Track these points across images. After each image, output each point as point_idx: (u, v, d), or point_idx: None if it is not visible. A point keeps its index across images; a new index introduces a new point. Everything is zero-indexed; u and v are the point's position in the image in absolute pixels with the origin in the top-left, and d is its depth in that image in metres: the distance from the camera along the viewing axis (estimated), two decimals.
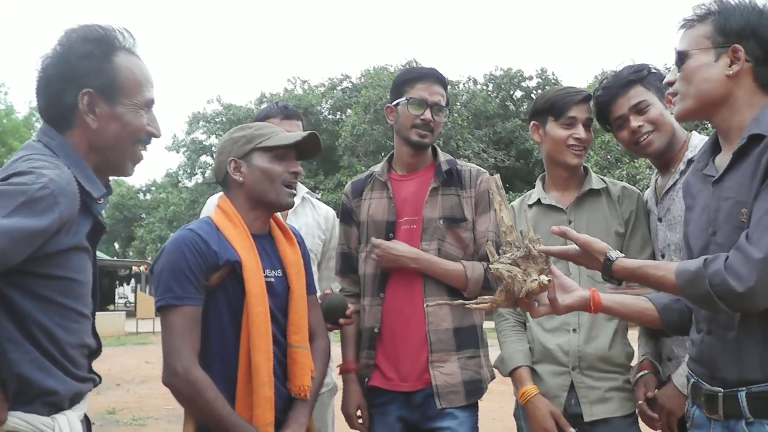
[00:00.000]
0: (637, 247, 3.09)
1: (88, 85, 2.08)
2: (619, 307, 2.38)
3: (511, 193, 28.04)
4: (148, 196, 57.65)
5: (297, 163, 2.82)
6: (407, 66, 33.05)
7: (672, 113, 2.59)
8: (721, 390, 2.07)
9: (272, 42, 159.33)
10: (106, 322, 25.45)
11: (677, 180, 2.93)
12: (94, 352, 2.20)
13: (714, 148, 2.30)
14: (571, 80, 75.48)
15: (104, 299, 41.32)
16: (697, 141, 2.96)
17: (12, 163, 1.97)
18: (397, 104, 3.26)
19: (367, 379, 3.24)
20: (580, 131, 3.13)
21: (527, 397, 3.04)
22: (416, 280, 3.15)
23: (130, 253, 55.88)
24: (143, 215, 53.70)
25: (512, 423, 3.32)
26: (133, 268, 39.75)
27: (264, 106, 3.98)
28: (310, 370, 2.75)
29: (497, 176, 2.33)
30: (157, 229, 43.13)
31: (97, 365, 2.24)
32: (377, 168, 3.40)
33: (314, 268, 3.70)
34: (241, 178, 2.73)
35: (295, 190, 2.84)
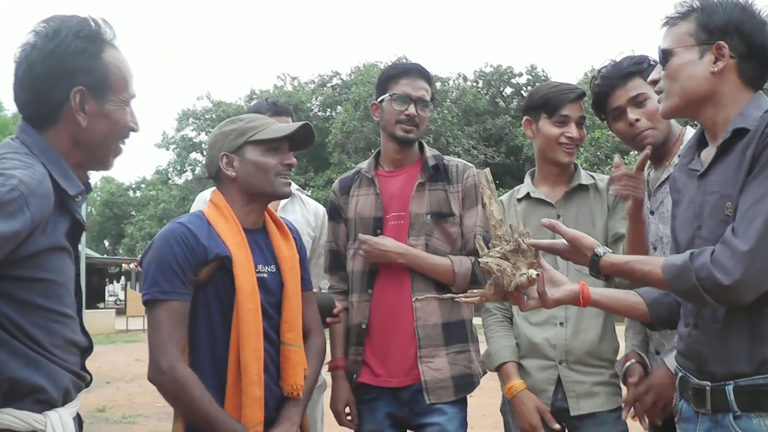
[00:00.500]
0: (622, 222, 3.06)
1: (79, 82, 2.03)
2: (608, 301, 2.38)
3: (501, 189, 28.08)
4: (138, 194, 57.58)
5: (291, 155, 2.77)
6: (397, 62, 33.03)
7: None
8: (709, 384, 2.07)
9: (262, 39, 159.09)
10: (96, 319, 25.43)
11: (671, 174, 2.93)
12: (86, 349, 2.17)
13: (700, 143, 2.30)
14: (561, 77, 75.62)
15: (94, 297, 41.24)
16: (691, 135, 2.96)
17: None
18: (382, 100, 3.27)
19: (355, 376, 3.23)
20: (572, 130, 3.12)
21: (514, 393, 3.04)
22: (404, 276, 3.15)
23: (120, 251, 55.72)
24: (133, 213, 53.60)
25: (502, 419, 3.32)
26: (123, 265, 39.68)
27: (254, 102, 3.96)
28: (303, 368, 2.70)
29: (487, 170, 2.32)
30: (147, 226, 43.08)
31: (87, 363, 2.22)
32: (364, 165, 3.40)
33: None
34: (233, 173, 2.67)
35: (289, 179, 2.79)
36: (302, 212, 3.80)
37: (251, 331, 2.54)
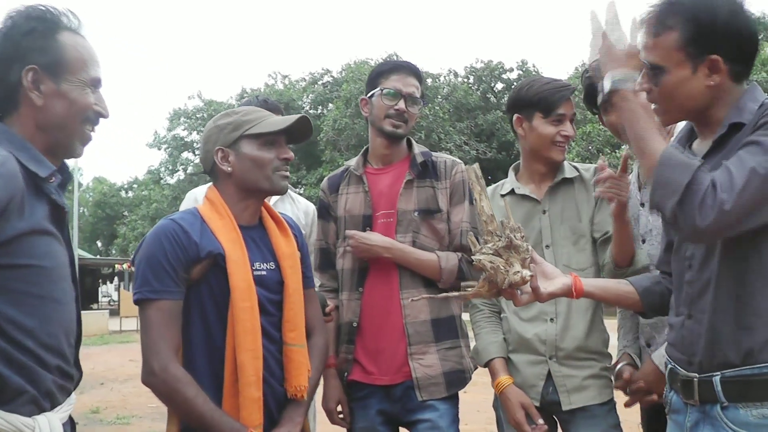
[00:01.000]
0: (610, 218, 3.02)
1: (32, 61, 2.03)
2: (601, 292, 2.40)
3: (493, 185, 28.09)
4: (130, 194, 57.51)
5: (288, 149, 2.68)
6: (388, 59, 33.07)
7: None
8: (696, 375, 2.08)
9: (252, 37, 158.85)
10: (90, 320, 25.33)
11: None
12: (78, 341, 2.16)
13: (690, 134, 2.30)
14: (552, 72, 75.59)
15: (87, 298, 41.12)
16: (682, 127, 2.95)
17: None
18: (372, 96, 3.26)
19: (346, 374, 3.22)
20: (568, 128, 3.11)
21: (501, 388, 3.05)
22: (392, 273, 3.14)
23: (113, 251, 55.72)
24: (125, 213, 53.54)
25: None
26: (116, 266, 39.62)
27: (244, 100, 3.95)
28: (307, 369, 2.63)
29: (476, 166, 2.30)
30: (140, 226, 43.07)
31: (80, 364, 2.21)
32: (352, 162, 3.39)
33: None
34: (229, 168, 2.59)
35: (287, 173, 2.70)
36: (292, 210, 3.79)
37: (247, 330, 2.46)
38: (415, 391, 3.07)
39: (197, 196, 3.67)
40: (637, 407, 3.07)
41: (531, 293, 2.24)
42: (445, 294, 2.46)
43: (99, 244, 62.22)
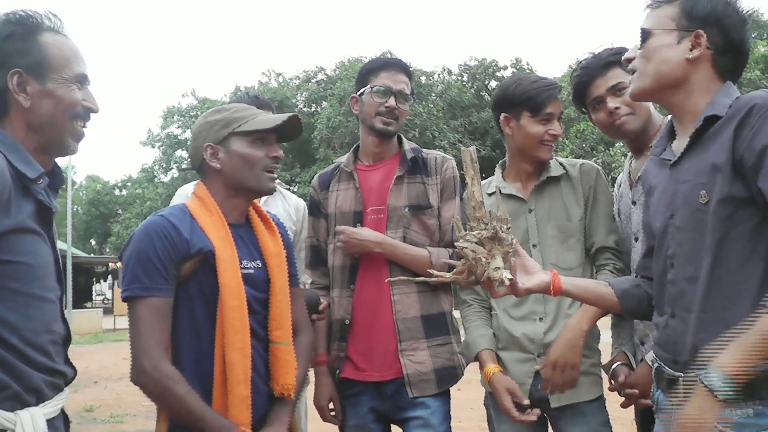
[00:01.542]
0: (604, 229, 3.06)
1: (15, 65, 2.07)
2: (579, 291, 2.40)
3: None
4: (124, 192, 57.46)
5: (278, 147, 2.66)
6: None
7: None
8: (682, 375, 2.09)
9: (246, 35, 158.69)
10: (84, 319, 25.35)
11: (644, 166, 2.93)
12: (66, 340, 2.18)
13: (671, 133, 2.31)
14: (546, 70, 75.72)
15: (81, 296, 41.08)
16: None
17: None
18: (362, 93, 3.26)
19: (338, 371, 3.22)
20: (556, 127, 3.09)
21: (488, 376, 3.00)
22: (383, 270, 3.14)
23: (107, 250, 55.58)
24: (119, 211, 53.49)
25: None
26: (110, 264, 39.60)
27: (236, 97, 3.93)
28: (293, 368, 2.60)
29: (472, 149, 2.26)
30: (134, 224, 42.90)
31: (74, 363, 2.23)
32: (343, 159, 3.39)
33: None
34: (218, 165, 2.57)
35: (276, 174, 2.70)
36: (284, 206, 3.79)
37: (236, 328, 2.44)
38: (406, 388, 3.07)
39: (188, 193, 3.65)
40: None
41: (508, 286, 2.24)
42: (422, 278, 2.40)
43: (93, 242, 62.14)
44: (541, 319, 3.03)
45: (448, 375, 3.14)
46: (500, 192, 3.14)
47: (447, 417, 3.14)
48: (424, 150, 3.33)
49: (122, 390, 11.68)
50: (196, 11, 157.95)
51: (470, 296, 3.21)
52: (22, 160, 2.04)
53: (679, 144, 2.21)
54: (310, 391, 3.37)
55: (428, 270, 2.37)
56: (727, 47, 2.13)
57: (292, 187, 34.90)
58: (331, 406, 3.24)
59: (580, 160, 3.28)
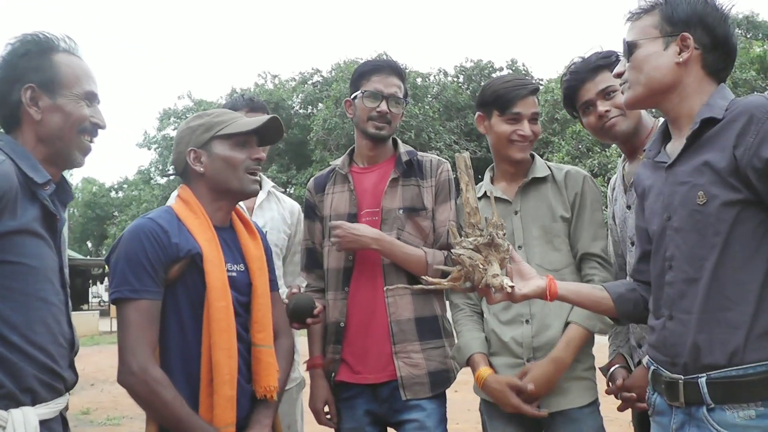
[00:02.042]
0: (588, 234, 3.05)
1: (29, 80, 2.24)
2: (575, 296, 2.40)
3: None
4: (120, 194, 57.28)
5: (259, 149, 2.73)
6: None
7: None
8: (682, 377, 2.08)
9: (242, 37, 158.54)
10: (80, 321, 25.28)
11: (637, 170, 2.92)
12: (71, 344, 2.27)
13: (664, 136, 2.32)
14: (542, 71, 75.86)
15: (78, 298, 40.97)
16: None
17: None
18: (355, 97, 3.27)
19: (333, 374, 3.22)
20: (524, 127, 3.06)
21: (481, 380, 2.97)
22: (378, 273, 3.15)
23: (103, 252, 55.37)
24: (116, 213, 53.31)
25: None
26: (107, 266, 39.42)
27: (231, 99, 3.93)
28: (275, 370, 2.65)
29: (466, 155, 2.28)
30: None
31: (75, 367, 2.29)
32: (338, 162, 3.39)
33: (279, 263, 3.68)
34: (201, 169, 2.62)
35: (258, 177, 2.74)
36: (278, 209, 3.79)
37: (223, 329, 2.47)
38: (400, 390, 3.07)
39: None
40: None
41: (504, 292, 2.23)
42: (420, 286, 2.41)
43: (89, 244, 61.96)
44: (527, 321, 3.00)
45: (442, 378, 3.14)
46: (487, 195, 3.13)
47: (443, 419, 3.13)
48: (420, 153, 3.34)
49: (119, 392, 11.60)
50: (192, 13, 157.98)
51: (461, 300, 3.20)
52: (30, 167, 2.18)
53: (674, 146, 2.21)
54: (306, 394, 3.37)
55: (423, 277, 2.37)
56: (714, 45, 2.15)
57: (288, 189, 34.90)
58: (326, 409, 3.23)
59: (568, 166, 3.27)
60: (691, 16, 2.14)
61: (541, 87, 37.54)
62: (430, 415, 3.07)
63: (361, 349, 3.15)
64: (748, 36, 38.68)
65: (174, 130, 45.40)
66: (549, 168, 3.18)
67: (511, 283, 2.17)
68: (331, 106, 34.85)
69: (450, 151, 32.86)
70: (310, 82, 43.61)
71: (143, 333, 2.41)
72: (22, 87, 2.24)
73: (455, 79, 42.18)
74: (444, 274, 2.36)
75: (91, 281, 50.25)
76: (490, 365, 3.03)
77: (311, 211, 3.39)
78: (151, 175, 48.59)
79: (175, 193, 3.81)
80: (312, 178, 3.50)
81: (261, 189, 3.69)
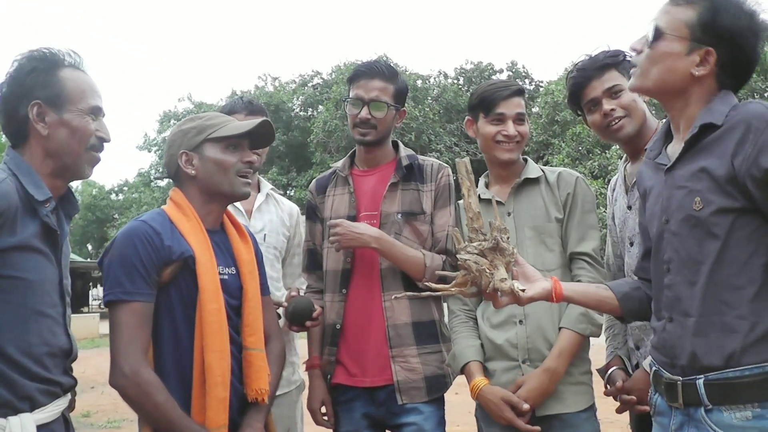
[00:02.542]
0: (578, 234, 3.04)
1: (36, 97, 2.29)
2: (580, 296, 2.40)
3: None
4: (120, 197, 57.23)
5: (251, 152, 2.74)
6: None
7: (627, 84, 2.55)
8: (680, 378, 2.08)
9: (243, 39, 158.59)
10: (80, 324, 25.27)
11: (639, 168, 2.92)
12: (67, 354, 2.30)
13: (666, 136, 2.30)
14: (542, 73, 75.88)
15: (78, 301, 40.97)
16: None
17: None
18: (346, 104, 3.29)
19: (330, 376, 3.22)
20: (509, 128, 3.07)
21: (476, 390, 2.97)
22: (376, 275, 3.15)
23: None
24: (116, 216, 53.26)
25: None
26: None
27: (230, 102, 3.92)
28: (267, 373, 2.65)
29: (467, 160, 2.27)
30: None
31: (72, 373, 2.32)
32: (339, 164, 3.41)
33: (278, 266, 3.69)
34: (193, 171, 2.64)
35: (250, 179, 2.75)
36: (277, 212, 3.79)
37: (215, 331, 2.48)
38: (396, 394, 3.07)
39: None
40: None
41: (511, 296, 2.23)
42: (427, 293, 2.38)
43: (89, 247, 61.92)
44: (521, 321, 2.99)
45: (438, 383, 3.14)
46: (480, 198, 3.10)
47: (441, 422, 3.14)
48: (420, 157, 3.34)
49: (119, 395, 11.62)
50: (192, 15, 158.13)
51: (457, 306, 3.19)
52: (32, 183, 2.23)
53: (674, 148, 2.20)
54: (305, 396, 3.38)
55: (428, 284, 2.36)
56: (735, 67, 2.10)
57: (288, 191, 34.88)
58: (323, 409, 3.24)
59: (560, 168, 3.28)
60: (727, 31, 2.05)
61: (541, 89, 37.52)
62: (428, 418, 3.07)
63: (357, 352, 3.15)
64: None
65: None
66: (542, 170, 3.18)
67: (522, 287, 2.18)
68: (331, 109, 34.83)
69: (450, 153, 32.87)
70: (310, 84, 43.59)
71: (135, 335, 2.43)
72: (29, 103, 2.28)
73: (455, 81, 42.15)
74: (443, 280, 2.35)
75: (91, 284, 50.28)
76: (486, 370, 3.02)
77: (313, 213, 3.40)
78: (151, 177, 48.55)
79: None
80: (314, 180, 3.51)
81: (259, 191, 3.70)
